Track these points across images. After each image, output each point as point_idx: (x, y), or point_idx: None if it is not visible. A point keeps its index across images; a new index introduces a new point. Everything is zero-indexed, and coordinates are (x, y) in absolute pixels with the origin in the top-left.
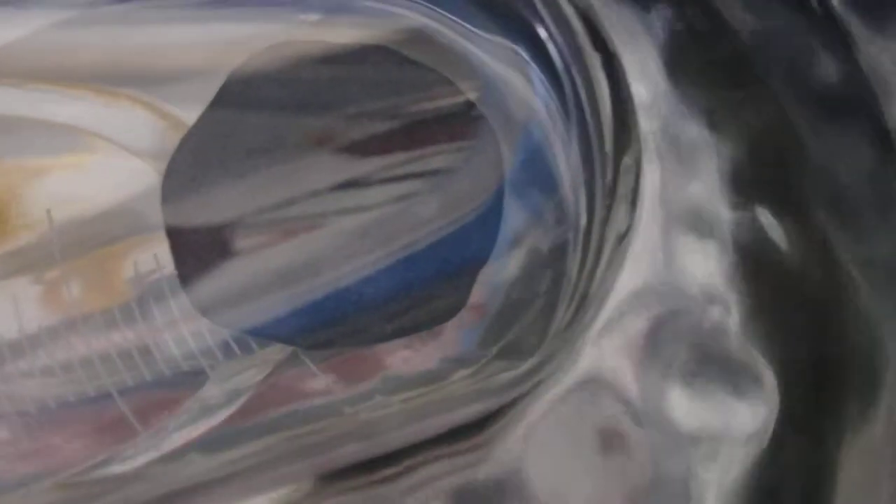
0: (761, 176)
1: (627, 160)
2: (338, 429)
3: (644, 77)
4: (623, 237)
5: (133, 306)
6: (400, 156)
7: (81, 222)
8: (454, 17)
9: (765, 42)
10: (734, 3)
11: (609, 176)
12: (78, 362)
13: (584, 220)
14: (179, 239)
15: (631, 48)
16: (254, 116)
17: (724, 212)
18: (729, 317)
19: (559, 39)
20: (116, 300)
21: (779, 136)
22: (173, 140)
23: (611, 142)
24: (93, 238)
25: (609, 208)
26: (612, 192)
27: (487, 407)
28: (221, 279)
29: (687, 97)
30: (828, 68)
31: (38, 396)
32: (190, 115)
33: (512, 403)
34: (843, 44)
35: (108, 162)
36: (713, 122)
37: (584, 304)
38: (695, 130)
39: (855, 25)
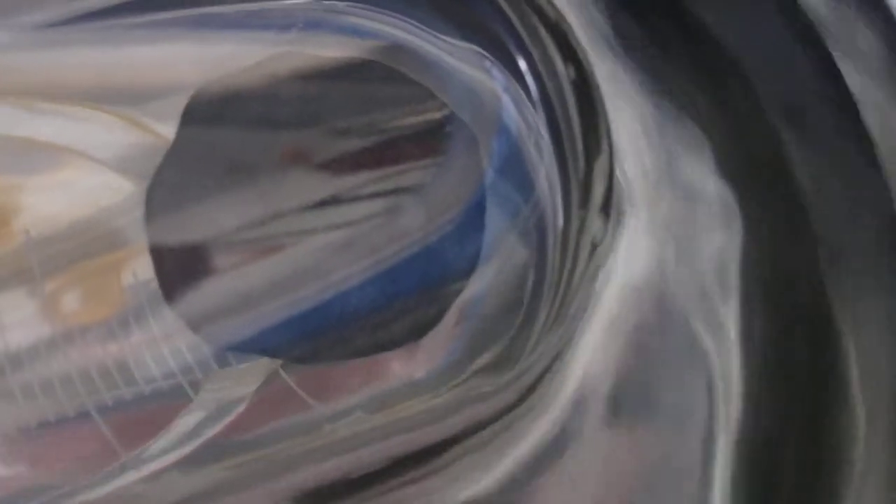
0: (752, 171)
1: (601, 164)
2: (317, 445)
3: (617, 87)
4: (599, 243)
5: (114, 323)
6: (379, 170)
7: (61, 238)
8: (425, 28)
9: (745, 45)
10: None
11: (583, 180)
12: (58, 381)
13: (560, 225)
14: (163, 255)
15: (602, 56)
16: (233, 133)
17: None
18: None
19: (529, 49)
20: (96, 316)
21: (761, 139)
22: (155, 156)
23: (582, 147)
24: (72, 254)
25: (585, 213)
26: (586, 196)
27: (470, 419)
28: (204, 295)
29: (663, 98)
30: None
31: (20, 417)
32: (171, 131)
33: (499, 415)
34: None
35: (89, 178)
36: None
37: (565, 312)
38: (676, 134)
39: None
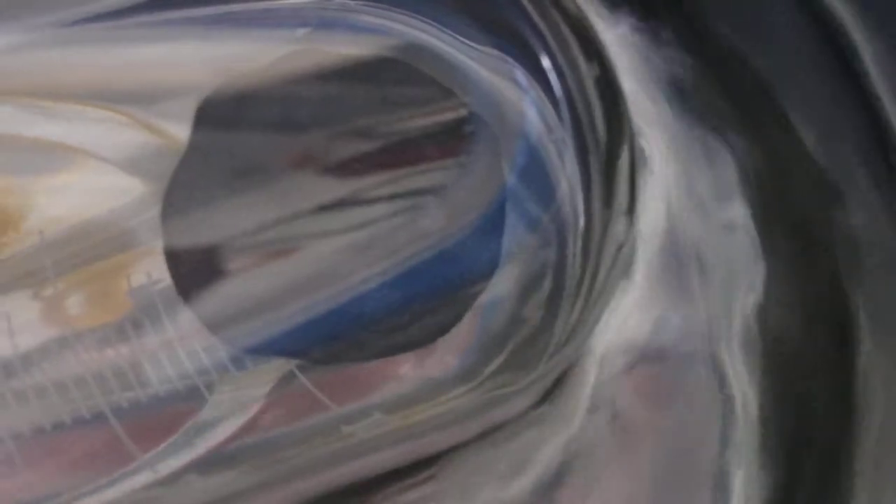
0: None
1: (624, 163)
2: (334, 448)
3: (643, 90)
4: (622, 246)
5: (128, 323)
6: (399, 170)
7: (73, 239)
8: (447, 30)
9: (775, 69)
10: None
11: (606, 180)
12: (72, 382)
13: (582, 226)
14: (180, 257)
15: (625, 57)
16: (250, 135)
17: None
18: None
19: (552, 47)
20: (108, 317)
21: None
22: (165, 157)
23: (605, 146)
24: (84, 255)
25: (609, 213)
26: (610, 197)
27: (489, 422)
28: (221, 297)
29: (688, 111)
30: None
31: (32, 419)
32: (182, 131)
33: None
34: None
35: (99, 179)
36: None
37: (587, 315)
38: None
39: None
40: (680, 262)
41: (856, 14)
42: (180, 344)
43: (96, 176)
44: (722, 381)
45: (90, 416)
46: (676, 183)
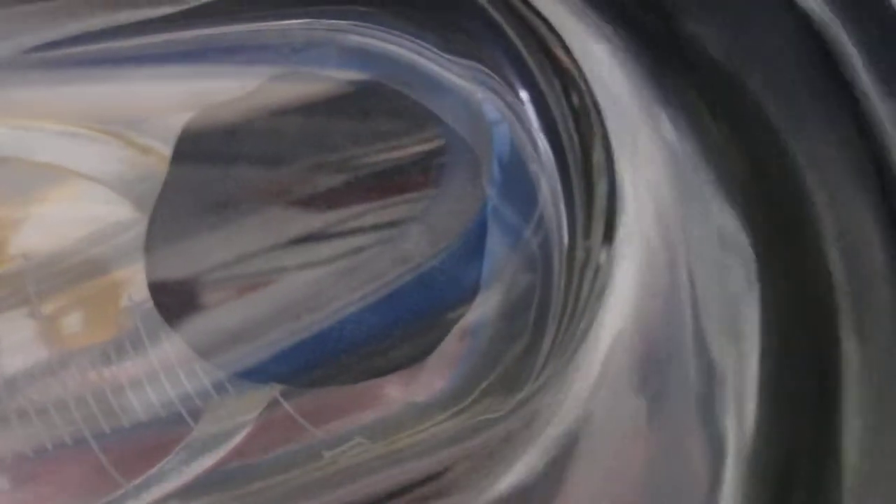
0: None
1: (600, 191)
2: (317, 476)
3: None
4: (600, 268)
5: (111, 347)
6: (380, 199)
7: (58, 259)
8: (431, 53)
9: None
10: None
11: (585, 204)
12: (54, 407)
13: (566, 246)
14: (162, 288)
15: (608, 83)
16: (229, 166)
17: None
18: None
19: (530, 75)
20: (94, 339)
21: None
22: (153, 176)
23: (583, 170)
24: (70, 276)
25: (588, 236)
26: (589, 220)
27: (474, 448)
28: (203, 324)
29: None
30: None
31: (16, 443)
32: (170, 149)
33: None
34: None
35: (86, 198)
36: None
37: (571, 334)
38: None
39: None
40: (672, 284)
41: (848, 26)
42: (164, 369)
43: (83, 195)
44: (711, 415)
45: (73, 442)
46: (662, 203)
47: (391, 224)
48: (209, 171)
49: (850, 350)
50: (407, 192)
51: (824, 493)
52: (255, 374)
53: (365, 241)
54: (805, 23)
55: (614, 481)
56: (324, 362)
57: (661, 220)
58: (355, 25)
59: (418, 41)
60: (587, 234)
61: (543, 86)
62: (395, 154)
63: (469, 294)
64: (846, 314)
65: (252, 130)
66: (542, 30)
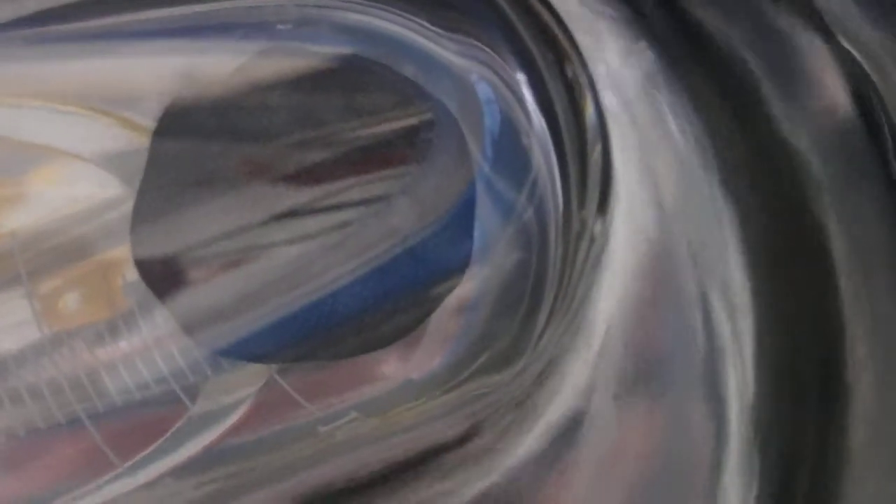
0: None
1: (592, 146)
2: (314, 451)
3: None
4: (594, 242)
5: (103, 326)
6: (368, 173)
7: (48, 238)
8: (424, 28)
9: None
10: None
11: (580, 177)
12: (46, 386)
13: (561, 219)
14: (149, 265)
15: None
16: (215, 142)
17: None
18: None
19: (524, 46)
20: (87, 319)
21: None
22: (141, 153)
23: (575, 132)
24: (60, 254)
25: (583, 205)
26: (583, 194)
27: (473, 419)
28: (193, 301)
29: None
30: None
31: (8, 423)
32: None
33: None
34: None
35: (75, 176)
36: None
37: (567, 304)
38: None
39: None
40: (672, 266)
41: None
42: (157, 347)
43: (72, 173)
44: (714, 391)
45: (66, 422)
46: (657, 184)
47: (378, 198)
48: (195, 146)
49: (853, 330)
50: (394, 167)
51: (829, 470)
52: (247, 350)
53: (352, 216)
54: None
55: (616, 458)
56: (314, 337)
57: (656, 191)
58: (348, 2)
59: (411, 17)
60: (582, 204)
61: (538, 60)
62: (383, 128)
63: (460, 267)
64: (848, 295)
65: (239, 106)
66: (537, 5)
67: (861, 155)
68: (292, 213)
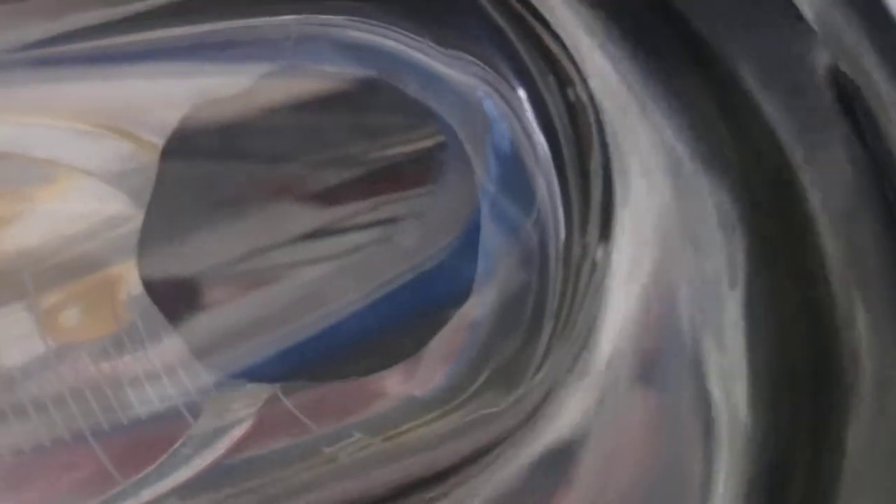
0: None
1: (594, 170)
2: (317, 472)
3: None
4: (596, 268)
5: (108, 342)
6: (375, 197)
7: (55, 253)
8: (426, 47)
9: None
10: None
11: (582, 201)
12: (52, 402)
13: (562, 243)
14: (157, 287)
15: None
16: (224, 164)
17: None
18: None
19: (527, 71)
20: (93, 334)
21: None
22: (148, 169)
23: (579, 169)
24: (67, 269)
25: (585, 232)
26: (585, 218)
27: (475, 444)
28: (201, 324)
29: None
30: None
31: (13, 439)
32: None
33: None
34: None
35: (82, 192)
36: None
37: (569, 331)
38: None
39: None
40: (670, 281)
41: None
42: (163, 367)
43: (79, 189)
44: (708, 405)
45: (71, 438)
46: (662, 208)
47: (389, 221)
48: (204, 168)
49: (848, 335)
50: (404, 189)
51: (824, 479)
52: (252, 371)
53: (362, 239)
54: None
55: (617, 480)
56: (321, 360)
57: (658, 216)
58: (350, 20)
59: (413, 36)
60: (584, 230)
61: (539, 81)
62: (393, 151)
63: (465, 289)
64: (843, 302)
65: (248, 127)
66: (538, 26)
67: (857, 164)
68: (303, 236)
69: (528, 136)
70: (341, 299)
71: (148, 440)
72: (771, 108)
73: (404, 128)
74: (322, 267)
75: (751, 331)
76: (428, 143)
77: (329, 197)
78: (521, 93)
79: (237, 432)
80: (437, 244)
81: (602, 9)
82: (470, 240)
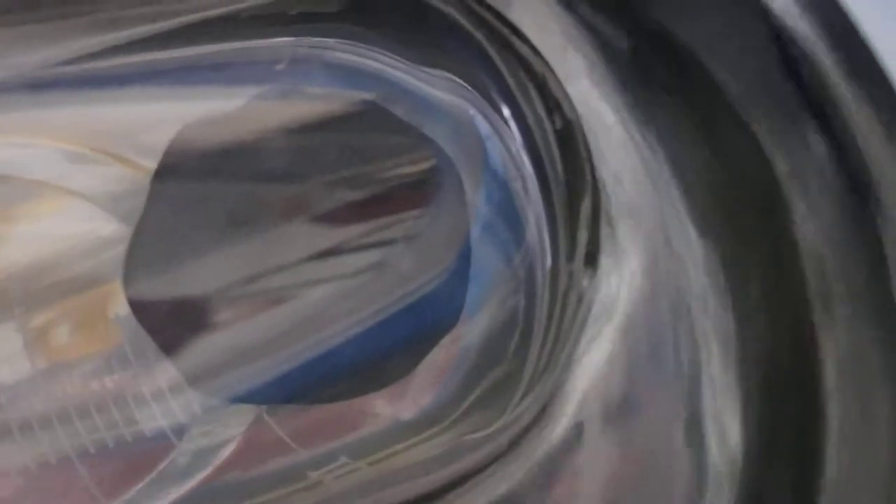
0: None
1: (584, 215)
2: (301, 497)
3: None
4: (583, 296)
5: (96, 362)
6: (369, 221)
7: (43, 273)
8: (415, 71)
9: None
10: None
11: (569, 228)
12: (37, 424)
13: (549, 269)
14: (145, 306)
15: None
16: (216, 185)
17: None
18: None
19: (513, 98)
20: (81, 353)
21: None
22: (139, 191)
23: (566, 197)
24: (55, 289)
25: (571, 262)
26: (572, 246)
27: (460, 470)
28: (192, 347)
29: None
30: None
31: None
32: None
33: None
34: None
35: (72, 213)
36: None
37: (555, 359)
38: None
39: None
40: (655, 308)
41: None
42: (150, 389)
43: (69, 209)
44: (697, 434)
45: (56, 461)
46: (645, 226)
47: (382, 244)
48: (195, 190)
49: (827, 359)
50: (397, 213)
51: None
52: (244, 398)
53: (356, 263)
54: (781, 34)
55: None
56: (311, 384)
57: (644, 243)
58: (342, 43)
59: (403, 59)
60: (570, 257)
61: (525, 105)
62: (385, 174)
63: (457, 314)
64: (821, 319)
65: (240, 149)
66: (523, 48)
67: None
68: (296, 261)
69: (515, 159)
70: (335, 324)
71: (132, 462)
72: (754, 122)
73: (396, 150)
74: (315, 291)
75: (741, 355)
76: (420, 166)
77: (322, 220)
78: (508, 115)
79: (223, 453)
80: (430, 269)
81: (589, 34)
82: (461, 265)
